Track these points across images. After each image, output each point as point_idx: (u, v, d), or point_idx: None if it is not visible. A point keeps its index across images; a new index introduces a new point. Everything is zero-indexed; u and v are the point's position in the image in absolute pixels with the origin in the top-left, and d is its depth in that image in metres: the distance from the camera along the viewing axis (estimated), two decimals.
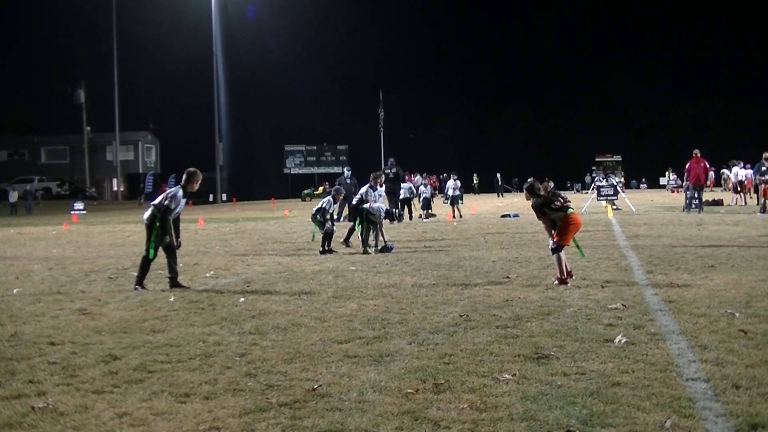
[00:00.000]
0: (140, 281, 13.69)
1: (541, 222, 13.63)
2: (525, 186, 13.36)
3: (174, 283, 13.69)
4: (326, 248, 19.43)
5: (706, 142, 69.47)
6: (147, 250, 13.59)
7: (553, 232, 13.08)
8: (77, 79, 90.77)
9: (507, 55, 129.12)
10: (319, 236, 19.85)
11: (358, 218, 20.12)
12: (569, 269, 13.16)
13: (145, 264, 13.76)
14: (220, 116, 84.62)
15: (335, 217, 33.88)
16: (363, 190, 21.63)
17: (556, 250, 12.87)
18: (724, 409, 6.04)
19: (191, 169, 14.15)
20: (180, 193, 13.79)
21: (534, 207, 13.12)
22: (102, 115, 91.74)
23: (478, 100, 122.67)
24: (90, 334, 9.60)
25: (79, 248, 23.45)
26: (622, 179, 77.65)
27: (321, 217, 19.74)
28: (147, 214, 13.80)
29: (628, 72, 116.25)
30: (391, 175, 34.47)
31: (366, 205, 20.12)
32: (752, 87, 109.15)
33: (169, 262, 13.79)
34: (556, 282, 12.79)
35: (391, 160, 37.17)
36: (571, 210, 13.09)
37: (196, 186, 14.20)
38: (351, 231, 21.15)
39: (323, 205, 20.03)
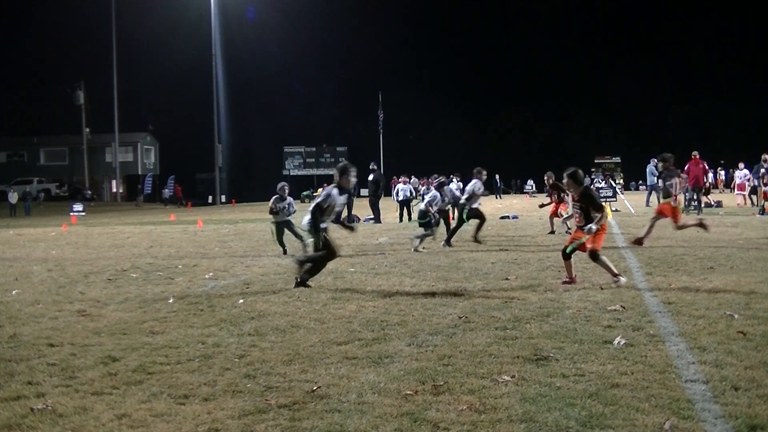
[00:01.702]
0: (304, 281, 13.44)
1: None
2: (568, 173, 12.98)
3: (301, 283, 13.37)
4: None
5: (705, 144, 69.46)
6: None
7: (583, 231, 12.72)
8: (76, 81, 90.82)
9: (506, 56, 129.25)
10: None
11: (464, 214, 20.92)
12: (574, 275, 13.07)
13: (320, 264, 13.61)
14: (219, 118, 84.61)
15: (340, 218, 33.96)
16: (472, 187, 21.69)
17: (595, 257, 12.66)
18: (723, 410, 6.04)
19: (344, 163, 14.00)
20: (335, 191, 13.54)
21: (582, 196, 12.79)
22: (101, 117, 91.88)
23: (477, 102, 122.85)
24: (89, 336, 9.60)
25: (78, 249, 23.45)
26: (622, 181, 77.63)
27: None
28: (306, 218, 13.63)
29: (628, 74, 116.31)
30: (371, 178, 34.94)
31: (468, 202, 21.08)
32: (752, 89, 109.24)
33: (313, 264, 13.51)
34: (615, 283, 12.49)
35: (372, 163, 37.06)
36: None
37: (353, 179, 14.06)
38: (453, 231, 21.20)
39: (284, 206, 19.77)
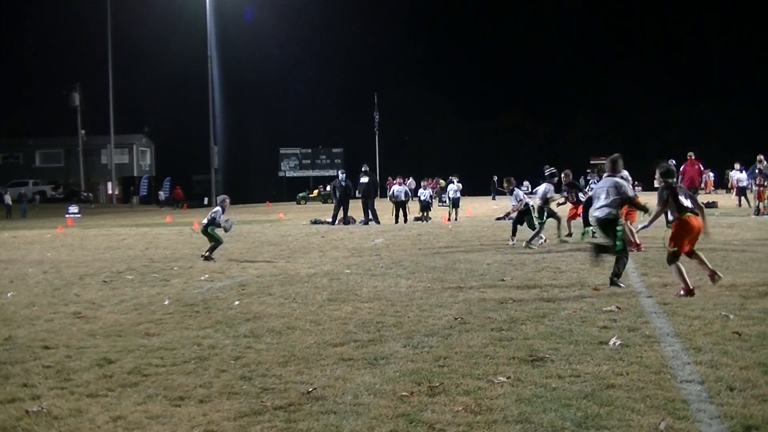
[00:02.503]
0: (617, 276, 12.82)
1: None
2: (661, 170, 12.23)
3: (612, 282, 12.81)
4: (210, 255, 19.13)
5: (701, 145, 69.46)
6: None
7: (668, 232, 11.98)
8: (72, 82, 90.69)
9: (503, 57, 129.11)
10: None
11: (543, 215, 21.43)
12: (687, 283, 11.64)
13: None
14: (215, 119, 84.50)
15: (329, 219, 34.10)
16: (544, 190, 22.16)
17: (673, 259, 11.71)
18: (719, 411, 6.05)
19: (615, 155, 13.80)
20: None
21: (668, 190, 11.89)
22: (97, 118, 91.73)
23: (473, 103, 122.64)
24: (84, 338, 9.59)
25: (73, 251, 23.43)
26: None
27: (212, 230, 19.47)
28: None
29: (625, 74, 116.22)
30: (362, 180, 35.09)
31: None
32: (748, 90, 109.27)
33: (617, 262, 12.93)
34: (683, 293, 11.43)
35: (365, 165, 37.05)
36: (688, 213, 11.82)
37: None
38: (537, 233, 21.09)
39: (213, 216, 19.66)
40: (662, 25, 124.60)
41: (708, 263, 12.18)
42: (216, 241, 19.37)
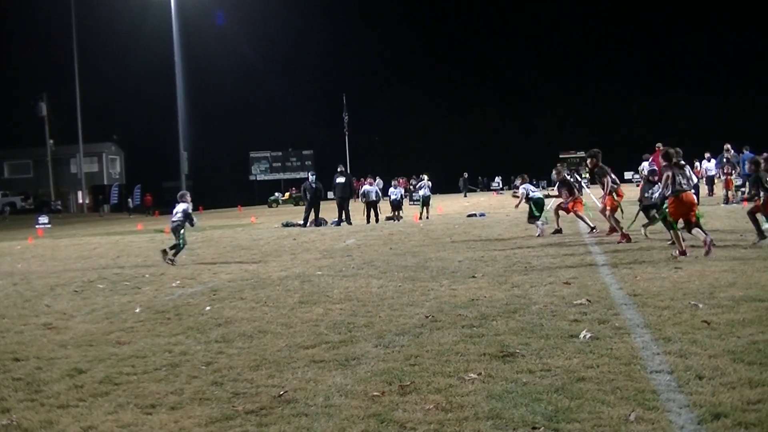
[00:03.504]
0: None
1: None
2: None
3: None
4: (174, 259, 19.50)
5: (670, 137, 69.90)
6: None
7: None
8: (39, 92, 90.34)
9: (470, 55, 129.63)
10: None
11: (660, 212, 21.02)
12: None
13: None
14: (183, 125, 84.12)
15: (300, 222, 34.04)
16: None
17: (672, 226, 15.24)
18: (688, 400, 6.09)
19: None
20: None
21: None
22: (65, 128, 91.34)
23: (442, 101, 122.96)
24: (55, 349, 9.53)
25: (44, 262, 23.27)
26: (587, 175, 77.89)
27: (184, 230, 19.93)
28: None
29: (592, 68, 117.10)
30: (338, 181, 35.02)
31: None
32: (714, 81, 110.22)
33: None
34: (677, 254, 14.75)
35: (340, 166, 37.02)
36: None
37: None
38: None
39: (187, 211, 19.99)
40: (628, 19, 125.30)
41: (703, 233, 14.95)
42: (183, 243, 19.62)
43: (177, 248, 19.60)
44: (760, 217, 17.07)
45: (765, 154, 21.26)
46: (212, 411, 6.51)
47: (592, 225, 22.21)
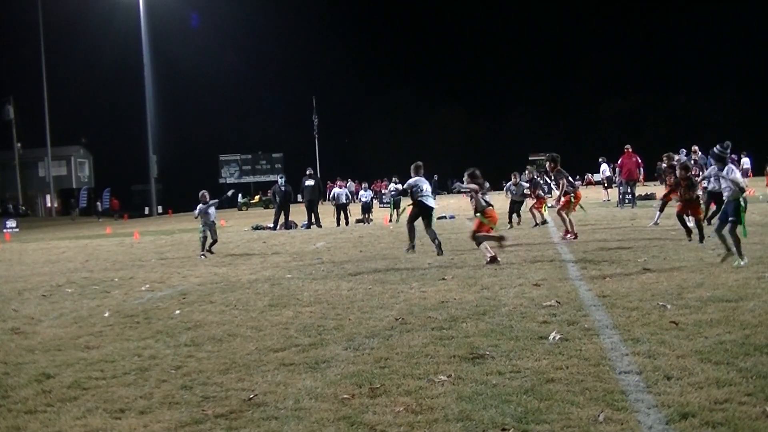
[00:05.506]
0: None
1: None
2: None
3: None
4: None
5: (637, 138, 70.34)
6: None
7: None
8: (5, 96, 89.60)
9: (438, 57, 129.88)
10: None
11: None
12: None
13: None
14: (152, 128, 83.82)
15: (270, 225, 34.03)
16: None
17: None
18: (656, 400, 6.13)
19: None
20: None
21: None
22: (32, 131, 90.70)
23: (411, 103, 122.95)
24: (23, 354, 9.46)
25: (11, 267, 23.10)
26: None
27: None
28: None
29: (559, 70, 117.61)
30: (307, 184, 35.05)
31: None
32: (679, 82, 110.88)
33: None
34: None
35: (309, 169, 36.91)
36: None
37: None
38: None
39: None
40: (597, 20, 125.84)
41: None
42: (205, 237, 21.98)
43: (214, 242, 22.05)
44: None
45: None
46: (182, 415, 6.48)
47: (543, 221, 25.44)
